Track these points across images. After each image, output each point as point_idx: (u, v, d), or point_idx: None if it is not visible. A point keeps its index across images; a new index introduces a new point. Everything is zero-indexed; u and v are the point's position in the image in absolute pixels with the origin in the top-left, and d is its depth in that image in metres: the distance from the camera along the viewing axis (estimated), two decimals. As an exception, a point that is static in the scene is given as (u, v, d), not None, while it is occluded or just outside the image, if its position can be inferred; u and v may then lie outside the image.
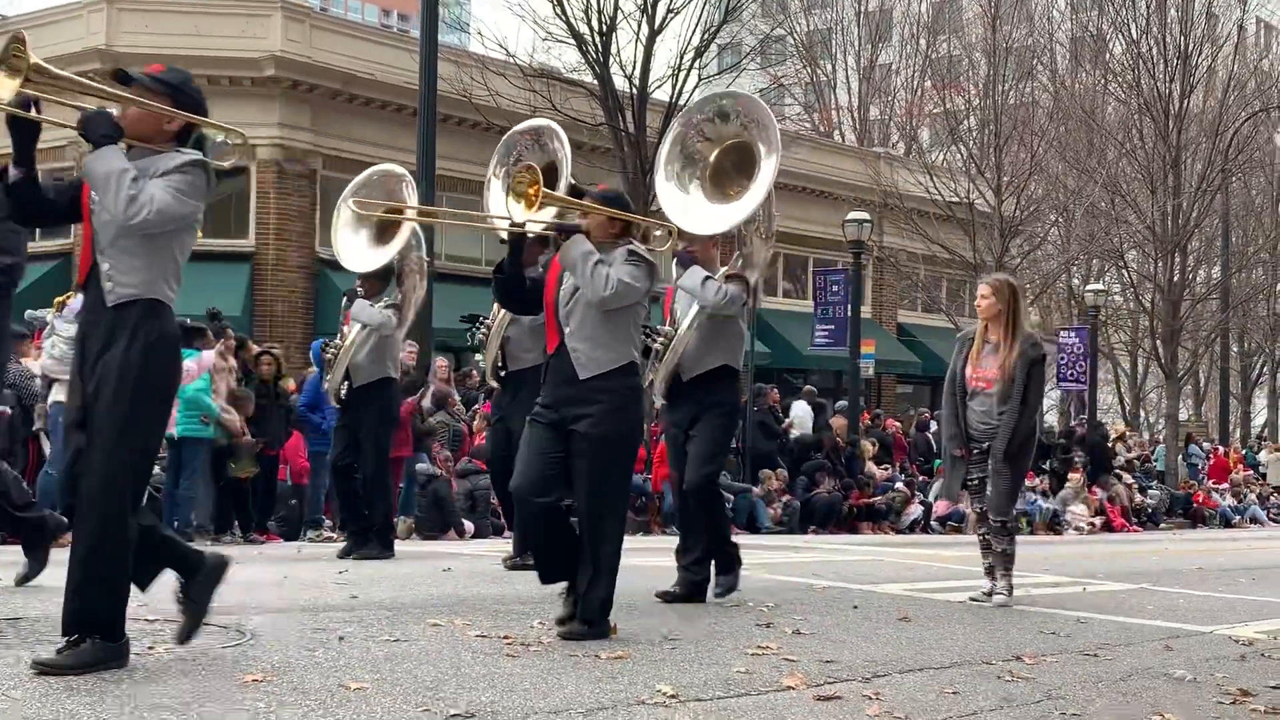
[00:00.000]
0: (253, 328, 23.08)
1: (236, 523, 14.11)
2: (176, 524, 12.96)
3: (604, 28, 23.06)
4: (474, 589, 8.66)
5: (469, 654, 5.77)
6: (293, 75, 24.99)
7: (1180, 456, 33.15)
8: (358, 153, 26.22)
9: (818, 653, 6.33)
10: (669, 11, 23.67)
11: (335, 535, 14.68)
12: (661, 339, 8.51)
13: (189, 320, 13.89)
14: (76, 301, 12.59)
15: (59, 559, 6.15)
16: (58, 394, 12.41)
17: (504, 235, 7.17)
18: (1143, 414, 47.76)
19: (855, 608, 8.41)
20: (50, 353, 12.45)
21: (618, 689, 5.11)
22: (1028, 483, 26.08)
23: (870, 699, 5.21)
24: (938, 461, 25.43)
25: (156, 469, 12.66)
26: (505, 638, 6.27)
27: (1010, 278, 9.39)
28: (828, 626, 7.38)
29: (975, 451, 8.97)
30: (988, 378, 8.92)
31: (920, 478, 24.66)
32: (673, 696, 5.00)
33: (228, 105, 25.03)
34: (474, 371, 21.24)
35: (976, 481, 9.06)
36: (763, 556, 13.19)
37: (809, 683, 5.48)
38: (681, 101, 23.71)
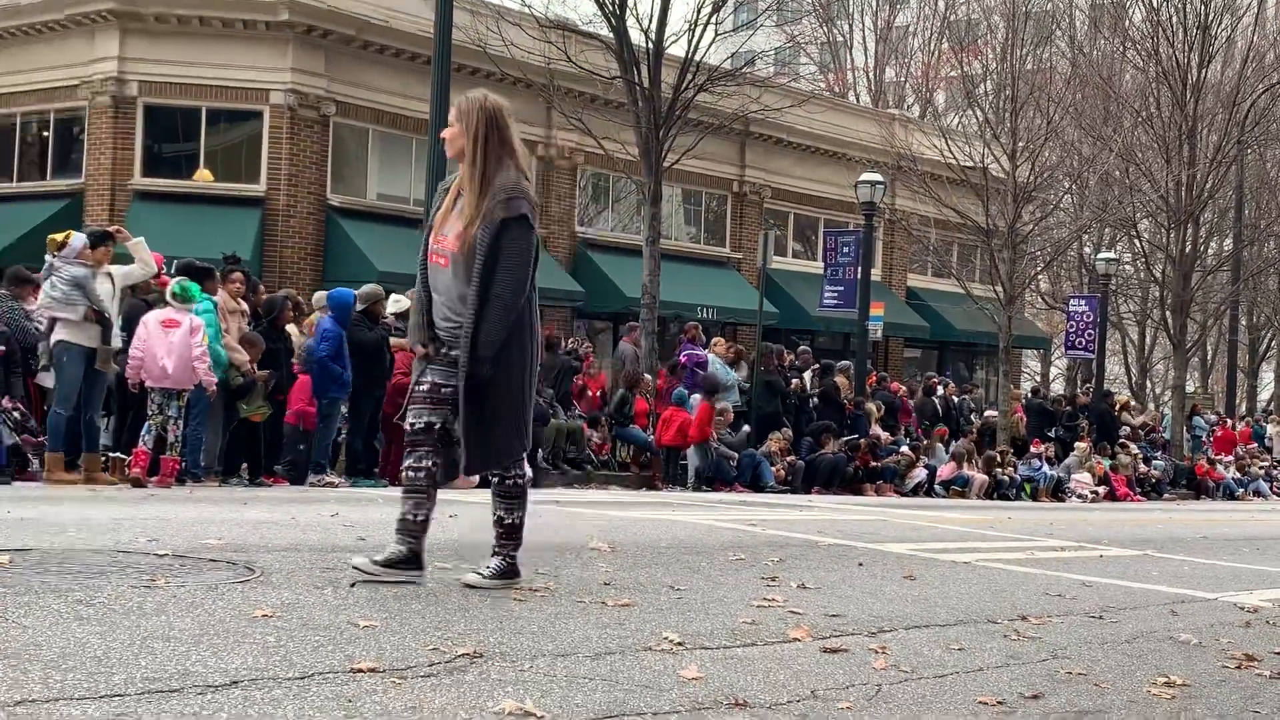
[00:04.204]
0: (262, 272, 23.05)
1: (245, 465, 14.13)
2: (187, 465, 12.99)
3: (621, -20, 22.90)
4: (480, 535, 8.64)
5: (476, 596, 5.79)
6: (307, 20, 24.85)
7: (1185, 428, 33.15)
8: (371, 100, 26.18)
9: (824, 607, 6.34)
10: (687, -35, 23.50)
11: (337, 481, 14.74)
12: None
13: (197, 261, 13.89)
14: (77, 240, 12.58)
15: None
16: (60, 332, 12.39)
17: None
18: (1149, 385, 47.74)
19: (860, 565, 8.43)
20: (50, 293, 12.42)
21: (624, 635, 5.13)
22: (1033, 449, 26.11)
23: (876, 652, 5.22)
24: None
25: (173, 410, 12.68)
26: (513, 583, 6.28)
27: (490, 96, 6.10)
28: (833, 582, 7.39)
29: (444, 353, 6.06)
30: (446, 250, 6.02)
31: (924, 441, 24.66)
32: (679, 644, 5.01)
33: (241, 50, 24.97)
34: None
35: (427, 389, 6.04)
36: (767, 514, 13.22)
37: (815, 635, 5.49)
38: (698, 57, 23.59)
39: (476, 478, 17.10)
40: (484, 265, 5.85)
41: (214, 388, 13.07)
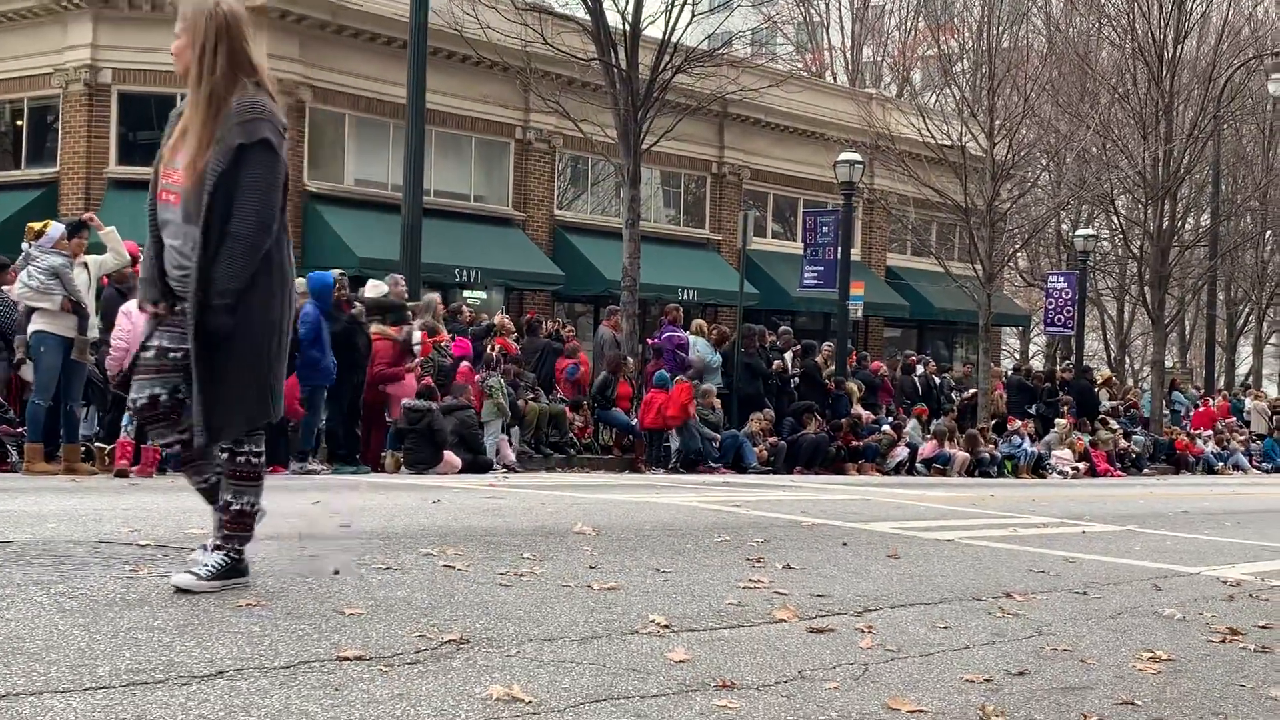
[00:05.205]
0: (240, 260, 22.90)
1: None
2: (165, 454, 12.92)
3: (597, -38, 22.79)
4: (464, 521, 8.67)
5: (462, 583, 5.77)
6: (281, 5, 24.70)
7: (1164, 403, 33.29)
8: (347, 85, 26.07)
9: (809, 587, 6.34)
10: (663, -54, 23.40)
11: (320, 468, 14.71)
12: None
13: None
14: (55, 230, 12.48)
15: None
16: (38, 323, 12.30)
17: None
18: (1128, 360, 47.93)
19: (844, 545, 8.44)
20: (27, 282, 12.33)
21: (611, 618, 5.12)
22: (1010, 426, 26.19)
23: (862, 632, 5.23)
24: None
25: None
26: (498, 569, 6.27)
27: (223, 2, 5.15)
28: (818, 562, 7.40)
29: (179, 310, 5.18)
30: (176, 185, 5.11)
31: (906, 420, 24.70)
32: (665, 627, 5.01)
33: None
34: (464, 307, 21.23)
35: (154, 354, 5.19)
36: (750, 495, 13.23)
37: (801, 615, 5.49)
38: (675, 38, 23.54)
39: (459, 461, 17.00)
40: (216, 198, 4.95)
41: None
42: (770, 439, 21.24)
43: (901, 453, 23.01)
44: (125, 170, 24.88)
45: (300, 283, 16.12)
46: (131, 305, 12.64)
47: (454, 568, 6.19)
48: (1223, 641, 5.64)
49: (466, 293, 26.80)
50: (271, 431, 14.29)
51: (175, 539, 6.65)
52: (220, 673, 3.79)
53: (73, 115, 25.06)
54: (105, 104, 24.92)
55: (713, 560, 7.20)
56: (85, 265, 12.66)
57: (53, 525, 7.08)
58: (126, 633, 4.25)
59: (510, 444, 17.62)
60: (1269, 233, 42.71)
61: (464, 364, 17.64)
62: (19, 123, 26.68)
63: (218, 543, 5.22)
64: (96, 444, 13.18)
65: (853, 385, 24.12)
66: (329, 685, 3.73)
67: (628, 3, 23.15)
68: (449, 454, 15.68)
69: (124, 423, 12.56)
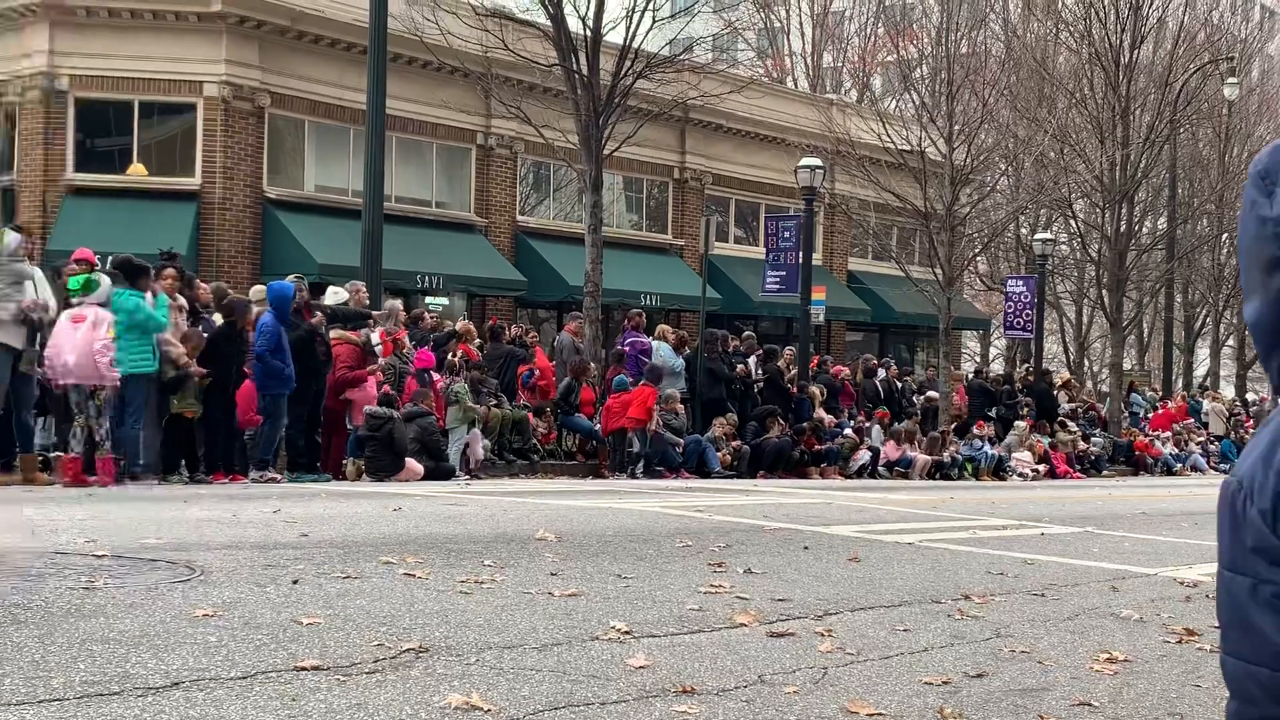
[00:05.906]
0: (199, 266, 22.79)
1: (184, 463, 13.92)
2: (124, 464, 12.80)
3: (557, -33, 22.77)
4: (425, 529, 8.64)
5: (422, 591, 5.75)
6: (240, 11, 24.57)
7: (1122, 405, 33.55)
8: (306, 91, 25.95)
9: (770, 591, 6.36)
10: (623, -48, 23.41)
11: (280, 476, 14.62)
12: None
13: (134, 257, 13.68)
14: (11, 239, 12.33)
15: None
16: None
17: None
18: (1086, 363, 48.28)
19: (806, 548, 8.46)
20: None
21: (572, 625, 5.12)
22: (976, 430, 26.34)
23: (822, 635, 5.25)
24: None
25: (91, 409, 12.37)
26: (459, 577, 6.25)
27: None
28: (779, 566, 7.42)
29: None
30: None
31: (867, 424, 24.80)
32: (626, 633, 5.01)
33: (174, 42, 24.66)
34: (426, 314, 21.15)
35: None
36: (713, 499, 13.24)
37: (762, 620, 5.50)
38: (636, 44, 23.56)
39: (421, 468, 16.88)
40: None
41: (116, 382, 12.54)
42: (734, 443, 21.27)
43: (864, 456, 23.09)
44: (83, 177, 24.68)
45: (258, 290, 16.04)
46: (63, 313, 12.46)
47: (414, 576, 6.17)
48: (1179, 642, 5.69)
49: (428, 299, 26.72)
50: (227, 440, 14.29)
51: (132, 549, 6.60)
52: (176, 684, 3.76)
53: (30, 123, 24.83)
54: (62, 111, 24.70)
55: (674, 565, 7.20)
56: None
57: (7, 535, 7.01)
58: (81, 644, 4.22)
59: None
60: (1225, 235, 43.09)
61: (438, 376, 17.62)
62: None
63: None
64: (55, 454, 13.04)
65: (815, 389, 24.19)
66: (286, 695, 3.71)
67: (588, 8, 23.15)
68: (411, 461, 15.61)
69: (69, 435, 12.36)
